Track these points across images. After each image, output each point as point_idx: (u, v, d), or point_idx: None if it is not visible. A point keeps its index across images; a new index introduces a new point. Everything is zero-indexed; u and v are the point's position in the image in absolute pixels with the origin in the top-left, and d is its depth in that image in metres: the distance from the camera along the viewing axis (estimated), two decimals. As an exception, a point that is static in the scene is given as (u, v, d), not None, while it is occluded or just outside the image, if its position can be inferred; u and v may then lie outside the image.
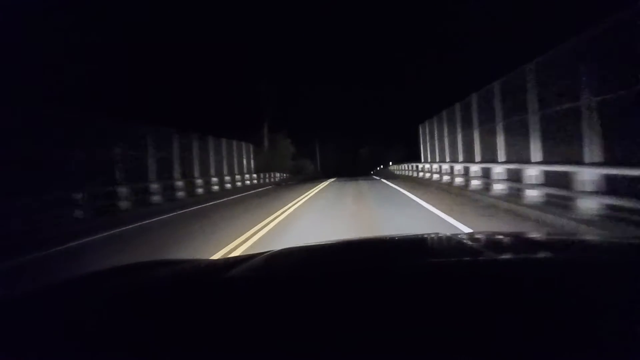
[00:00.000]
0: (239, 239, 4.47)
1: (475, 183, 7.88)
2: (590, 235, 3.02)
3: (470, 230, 4.02)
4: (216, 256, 3.61)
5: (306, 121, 34.15)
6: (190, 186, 11.31)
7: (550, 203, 5.04)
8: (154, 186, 9.41)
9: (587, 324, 0.42)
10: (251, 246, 4.14)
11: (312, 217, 6.31)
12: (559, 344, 0.37)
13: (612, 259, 0.73)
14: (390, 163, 33.16)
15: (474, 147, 8.67)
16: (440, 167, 11.43)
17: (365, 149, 48.56)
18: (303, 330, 0.44)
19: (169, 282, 0.72)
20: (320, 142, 41.04)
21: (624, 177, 3.74)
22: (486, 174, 7.33)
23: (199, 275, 0.79)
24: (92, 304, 0.60)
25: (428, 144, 14.87)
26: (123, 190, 8.09)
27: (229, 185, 14.40)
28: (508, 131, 6.86)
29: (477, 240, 1.03)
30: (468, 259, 0.78)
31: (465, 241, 0.97)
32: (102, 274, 0.83)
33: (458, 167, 9.51)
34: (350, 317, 0.46)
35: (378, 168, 42.31)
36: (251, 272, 0.74)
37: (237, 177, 16.08)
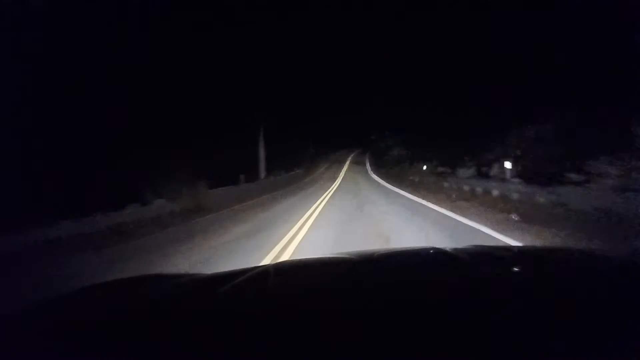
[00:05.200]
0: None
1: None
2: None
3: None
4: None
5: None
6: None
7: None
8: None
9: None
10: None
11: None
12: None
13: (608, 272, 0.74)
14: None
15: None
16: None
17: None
18: (293, 346, 0.45)
19: (169, 296, 0.74)
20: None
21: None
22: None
23: (196, 290, 0.79)
24: (94, 316, 0.62)
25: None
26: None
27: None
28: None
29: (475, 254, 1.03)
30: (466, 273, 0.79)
31: (462, 256, 0.97)
32: (106, 286, 0.85)
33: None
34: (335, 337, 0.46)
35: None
36: (244, 286, 0.74)
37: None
